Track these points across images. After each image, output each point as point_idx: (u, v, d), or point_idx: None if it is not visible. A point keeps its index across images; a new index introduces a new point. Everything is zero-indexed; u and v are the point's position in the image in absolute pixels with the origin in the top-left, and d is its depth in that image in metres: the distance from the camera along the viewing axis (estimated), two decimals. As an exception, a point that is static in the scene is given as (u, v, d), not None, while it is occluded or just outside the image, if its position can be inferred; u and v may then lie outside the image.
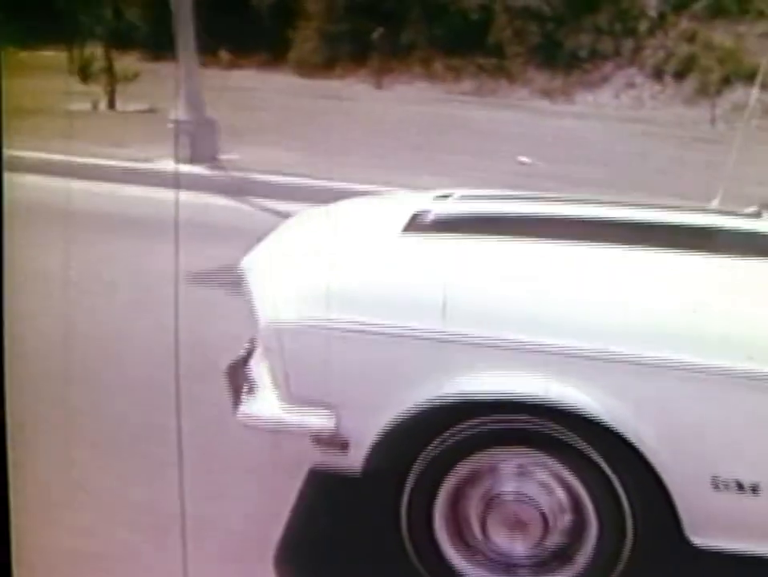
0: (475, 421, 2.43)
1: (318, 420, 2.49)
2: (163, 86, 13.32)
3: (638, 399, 2.37)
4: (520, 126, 13.94)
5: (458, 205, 3.38)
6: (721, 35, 16.27)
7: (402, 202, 3.51)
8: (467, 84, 16.79)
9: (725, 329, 2.42)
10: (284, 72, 16.48)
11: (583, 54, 16.49)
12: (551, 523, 2.50)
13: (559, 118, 14.84)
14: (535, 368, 2.38)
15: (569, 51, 16.58)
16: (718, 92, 15.28)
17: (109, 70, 12.57)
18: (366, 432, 2.50)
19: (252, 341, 2.88)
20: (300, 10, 16.69)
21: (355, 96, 15.81)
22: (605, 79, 16.38)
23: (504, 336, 2.40)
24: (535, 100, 16.01)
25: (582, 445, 2.42)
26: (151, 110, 12.99)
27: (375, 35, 16.21)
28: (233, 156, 9.85)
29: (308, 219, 3.51)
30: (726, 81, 15.39)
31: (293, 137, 10.54)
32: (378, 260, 2.81)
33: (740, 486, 2.36)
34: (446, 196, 3.51)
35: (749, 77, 15.36)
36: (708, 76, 15.61)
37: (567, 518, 2.51)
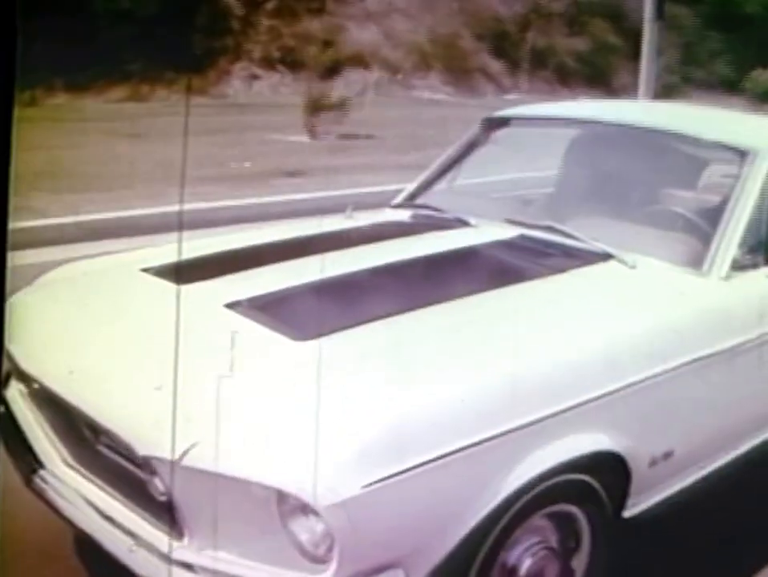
0: (529, 497, 2.42)
1: None
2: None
3: (625, 418, 2.61)
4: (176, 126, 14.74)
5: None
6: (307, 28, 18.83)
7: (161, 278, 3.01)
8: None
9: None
10: None
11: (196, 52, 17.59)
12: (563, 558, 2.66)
13: (219, 112, 16.01)
14: (570, 428, 2.45)
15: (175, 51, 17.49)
16: (331, 76, 17.87)
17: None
18: (432, 561, 2.35)
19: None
20: None
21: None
22: (228, 73, 17.78)
23: (545, 410, 2.41)
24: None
25: (588, 477, 2.58)
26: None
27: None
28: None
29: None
30: (336, 65, 18.06)
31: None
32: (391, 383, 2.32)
33: (665, 456, 2.78)
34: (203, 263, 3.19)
35: (355, 60, 18.41)
36: (318, 63, 18.10)
37: (571, 544, 2.68)
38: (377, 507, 2.13)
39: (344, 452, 2.13)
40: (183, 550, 2.26)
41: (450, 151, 4.13)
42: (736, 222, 3.15)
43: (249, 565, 2.20)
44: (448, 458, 2.20)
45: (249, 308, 2.70)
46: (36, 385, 2.76)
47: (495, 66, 20.87)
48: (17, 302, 2.92)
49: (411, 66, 18.52)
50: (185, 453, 2.20)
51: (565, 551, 2.62)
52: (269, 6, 19.20)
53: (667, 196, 3.78)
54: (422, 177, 4.05)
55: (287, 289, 2.82)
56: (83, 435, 2.60)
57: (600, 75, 22.34)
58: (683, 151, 3.83)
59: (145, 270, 3.06)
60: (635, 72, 23.90)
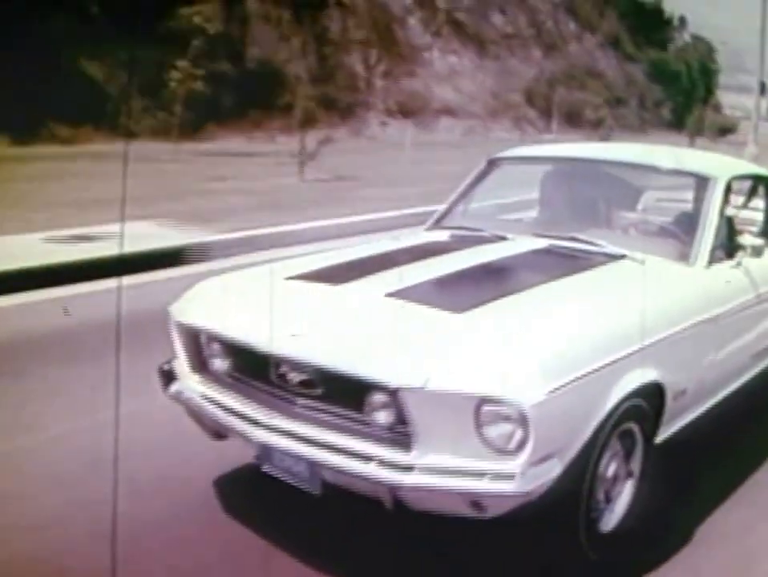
0: (621, 409, 3.24)
1: (548, 473, 2.95)
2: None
3: (663, 361, 3.47)
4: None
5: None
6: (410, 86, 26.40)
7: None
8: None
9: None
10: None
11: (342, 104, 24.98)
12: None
13: (379, 145, 23.21)
14: (637, 363, 3.31)
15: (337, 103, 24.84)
16: (436, 121, 25.37)
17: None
18: (571, 452, 3.06)
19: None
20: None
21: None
22: (365, 121, 25.14)
23: (632, 348, 3.29)
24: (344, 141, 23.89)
25: (643, 402, 3.41)
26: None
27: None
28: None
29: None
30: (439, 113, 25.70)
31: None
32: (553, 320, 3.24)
33: (682, 393, 3.66)
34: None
35: (447, 111, 26.08)
36: (424, 112, 25.66)
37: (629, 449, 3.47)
38: (553, 409, 2.89)
39: (534, 370, 2.91)
40: (409, 458, 2.96)
41: (463, 185, 4.85)
42: (709, 229, 4.06)
43: (452, 460, 2.93)
44: (589, 376, 3.04)
45: (403, 296, 3.39)
46: (229, 366, 3.52)
47: (532, 113, 29.03)
48: (187, 305, 3.64)
49: (487, 115, 26.39)
50: (428, 380, 2.88)
51: (627, 459, 3.49)
52: (379, 69, 26.66)
53: (641, 210, 4.84)
54: (444, 206, 4.79)
55: (420, 283, 3.57)
56: (285, 396, 3.30)
57: (598, 118, 30.85)
58: (651, 180, 4.92)
59: (290, 278, 3.73)
60: (616, 116, 32.45)
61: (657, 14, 41.13)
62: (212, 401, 3.47)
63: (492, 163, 4.92)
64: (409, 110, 26.07)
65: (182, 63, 18.54)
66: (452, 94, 27.23)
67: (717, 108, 43.05)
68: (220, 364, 3.54)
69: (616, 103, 33.30)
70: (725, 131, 33.15)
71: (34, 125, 18.67)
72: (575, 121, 30.00)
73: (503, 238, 4.24)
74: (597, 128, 28.62)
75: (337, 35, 25.50)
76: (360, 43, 26.04)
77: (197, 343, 3.59)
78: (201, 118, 20.04)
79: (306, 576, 3.25)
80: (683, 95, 38.17)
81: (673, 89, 37.64)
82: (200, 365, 3.61)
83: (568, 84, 31.29)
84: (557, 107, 29.24)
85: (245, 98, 21.84)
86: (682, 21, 44.43)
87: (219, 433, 3.55)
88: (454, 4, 30.19)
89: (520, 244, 4.14)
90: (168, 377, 3.66)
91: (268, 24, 24.02)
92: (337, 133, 24.12)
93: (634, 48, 37.68)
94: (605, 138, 24.23)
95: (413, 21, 28.56)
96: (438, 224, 4.64)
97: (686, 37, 45.41)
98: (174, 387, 3.61)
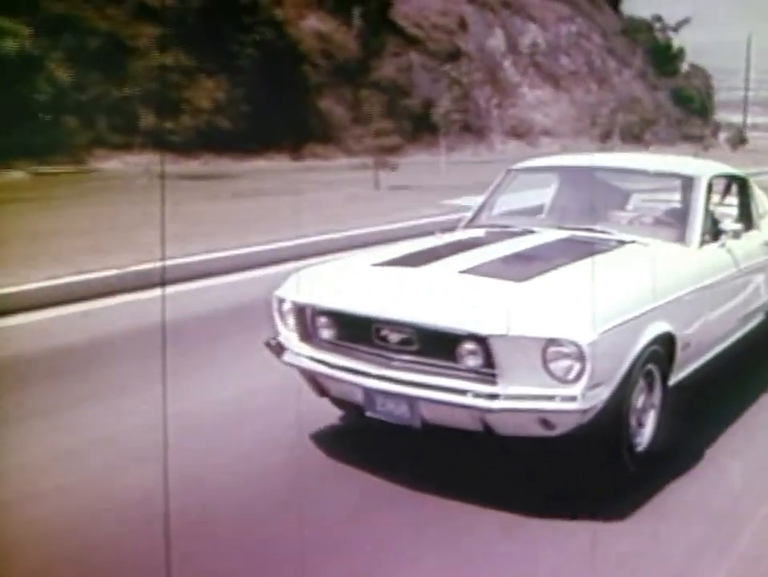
0: (646, 352, 4.12)
1: (599, 396, 3.83)
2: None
3: (673, 316, 4.34)
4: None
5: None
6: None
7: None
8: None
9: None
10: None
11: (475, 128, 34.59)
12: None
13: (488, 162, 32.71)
14: (656, 317, 4.21)
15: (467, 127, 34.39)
16: (538, 140, 35.08)
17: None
18: (613, 384, 3.92)
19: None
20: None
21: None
22: (488, 140, 34.83)
23: (652, 306, 4.21)
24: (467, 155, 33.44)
25: (660, 348, 4.30)
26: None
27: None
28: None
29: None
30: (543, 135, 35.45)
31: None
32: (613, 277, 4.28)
33: (687, 345, 4.50)
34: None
35: (545, 132, 35.86)
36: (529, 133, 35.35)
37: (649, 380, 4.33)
38: (602, 347, 3.71)
39: (587, 318, 3.78)
40: (495, 389, 3.80)
41: (489, 190, 5.82)
42: (698, 217, 4.98)
43: (528, 389, 3.77)
44: (625, 324, 3.94)
45: (473, 272, 4.22)
46: (340, 334, 4.28)
47: (598, 131, 38.96)
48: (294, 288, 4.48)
49: (572, 134, 36.29)
50: (509, 328, 3.70)
51: (650, 394, 4.33)
52: (493, 102, 36.32)
53: (640, 206, 5.97)
54: (475, 208, 5.69)
55: (482, 263, 4.41)
56: (385, 354, 4.07)
57: (640, 135, 40.81)
58: (640, 183, 5.99)
59: (375, 265, 4.57)
60: (654, 132, 42.51)
61: (668, 49, 51.39)
62: (322, 362, 4.31)
63: (510, 173, 5.93)
64: (518, 133, 35.76)
65: (444, 102, 27.81)
66: (544, 120, 37.04)
67: (716, 125, 53.37)
68: (326, 333, 4.37)
69: (651, 123, 43.51)
70: (743, 141, 43.31)
71: (299, 145, 27.67)
72: (625, 137, 40.08)
73: (532, 231, 5.21)
74: (649, 142, 38.69)
75: (466, 77, 35.01)
76: (480, 82, 35.62)
77: (304, 318, 4.39)
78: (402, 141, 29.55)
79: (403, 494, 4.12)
80: (697, 114, 48.66)
81: (688, 110, 48.05)
82: (307, 335, 4.42)
83: (622, 109, 41.32)
84: (618, 127, 39.21)
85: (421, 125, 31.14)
86: (681, 51, 54.48)
87: (324, 391, 4.46)
88: (533, 49, 40.04)
89: (548, 235, 5.10)
90: (279, 348, 4.54)
91: (425, 70, 33.38)
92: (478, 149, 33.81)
93: (656, 79, 47.92)
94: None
95: (507, 64, 38.29)
96: (471, 224, 5.67)
97: (686, 66, 55.42)
98: (286, 356, 4.46)
